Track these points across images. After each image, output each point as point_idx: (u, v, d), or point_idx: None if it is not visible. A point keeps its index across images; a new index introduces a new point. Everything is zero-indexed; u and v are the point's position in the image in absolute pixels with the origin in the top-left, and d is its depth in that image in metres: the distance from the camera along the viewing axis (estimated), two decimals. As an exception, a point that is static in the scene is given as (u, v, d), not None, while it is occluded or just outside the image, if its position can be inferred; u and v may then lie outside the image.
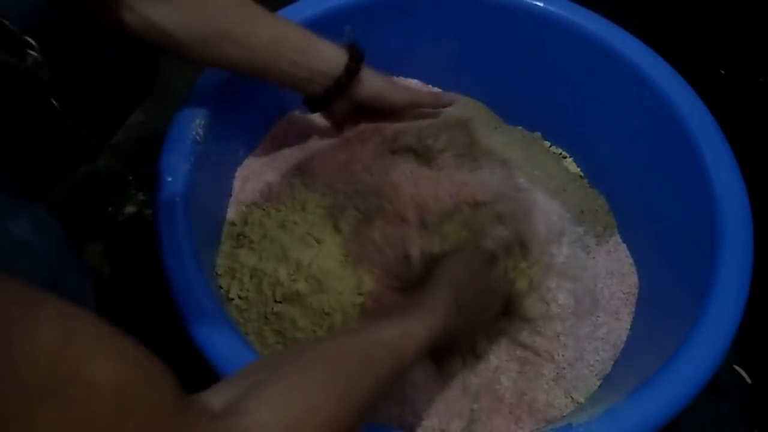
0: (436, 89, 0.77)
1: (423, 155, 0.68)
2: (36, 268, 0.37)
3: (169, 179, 0.55)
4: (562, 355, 0.60)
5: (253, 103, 0.68)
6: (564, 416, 0.56)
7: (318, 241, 0.61)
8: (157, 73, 0.56)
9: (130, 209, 0.77)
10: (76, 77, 0.48)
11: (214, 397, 0.31)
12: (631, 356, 0.61)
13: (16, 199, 0.39)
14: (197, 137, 0.59)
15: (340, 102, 0.59)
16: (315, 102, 0.59)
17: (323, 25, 0.68)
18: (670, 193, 0.66)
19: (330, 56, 0.56)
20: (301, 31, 0.55)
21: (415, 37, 0.74)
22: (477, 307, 0.54)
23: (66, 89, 0.45)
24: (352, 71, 0.57)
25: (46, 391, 0.21)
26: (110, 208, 0.77)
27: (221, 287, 0.60)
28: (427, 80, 0.79)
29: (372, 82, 0.59)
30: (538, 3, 0.70)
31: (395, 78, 0.64)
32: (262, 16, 0.54)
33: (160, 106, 0.81)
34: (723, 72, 0.86)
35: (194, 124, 0.59)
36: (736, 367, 0.68)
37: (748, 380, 0.67)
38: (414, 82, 0.79)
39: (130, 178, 0.79)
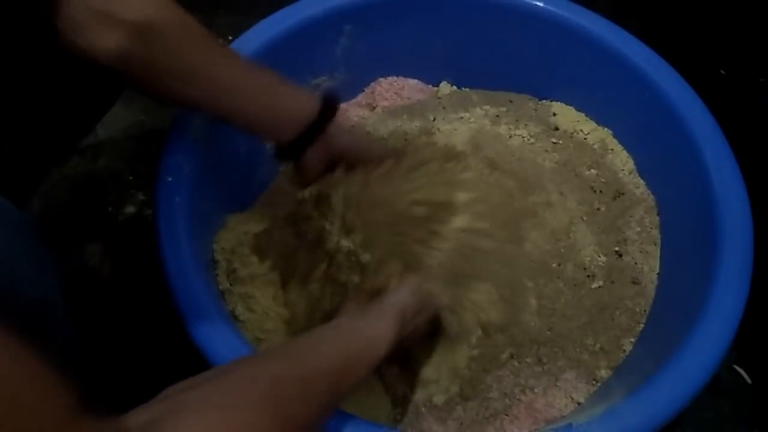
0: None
1: None
2: None
3: (169, 179, 0.55)
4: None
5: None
6: (564, 416, 0.56)
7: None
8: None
9: (130, 209, 0.77)
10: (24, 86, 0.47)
11: (135, 416, 0.30)
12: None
13: None
14: (197, 137, 0.59)
15: (314, 150, 0.55)
16: (287, 150, 0.55)
17: (323, 25, 0.68)
18: (670, 192, 0.66)
19: (301, 101, 0.53)
20: (270, 74, 0.53)
21: (415, 37, 0.74)
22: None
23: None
24: (325, 116, 0.54)
25: None
26: (110, 208, 0.77)
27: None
28: (427, 80, 0.79)
29: (349, 134, 0.57)
30: (538, 3, 0.70)
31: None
32: (226, 56, 0.52)
33: (160, 107, 0.81)
34: (723, 72, 0.86)
35: (194, 124, 0.59)
36: (736, 367, 0.68)
37: (748, 380, 0.67)
38: (413, 83, 0.79)
39: (130, 178, 0.79)
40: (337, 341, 0.44)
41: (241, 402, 0.32)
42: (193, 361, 0.46)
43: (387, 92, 0.77)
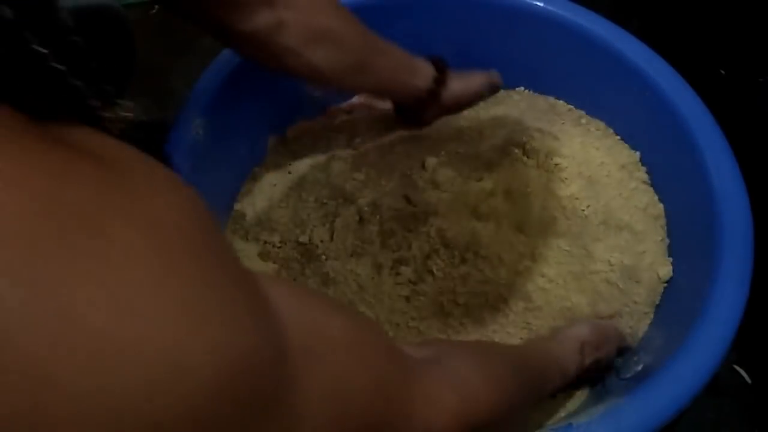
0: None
1: None
2: None
3: (169, 179, 0.55)
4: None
5: (253, 103, 0.68)
6: (564, 416, 0.56)
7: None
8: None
9: (130, 209, 0.77)
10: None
11: (413, 351, 0.34)
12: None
13: None
14: (197, 137, 0.59)
15: (430, 108, 0.67)
16: (409, 112, 0.68)
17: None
18: (669, 192, 0.66)
19: (424, 71, 0.64)
20: (402, 51, 0.62)
21: (415, 37, 0.74)
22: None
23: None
24: (439, 81, 0.64)
25: (306, 354, 0.23)
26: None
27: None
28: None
29: (453, 87, 0.66)
30: (538, 3, 0.70)
31: (464, 74, 0.69)
32: (384, 45, 0.60)
33: (160, 106, 0.81)
34: (723, 72, 0.86)
35: (194, 124, 0.59)
36: (736, 367, 0.68)
37: (748, 380, 0.67)
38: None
39: (130, 178, 0.79)
40: (539, 350, 0.51)
41: (497, 360, 0.40)
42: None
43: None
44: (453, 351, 0.37)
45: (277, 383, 0.20)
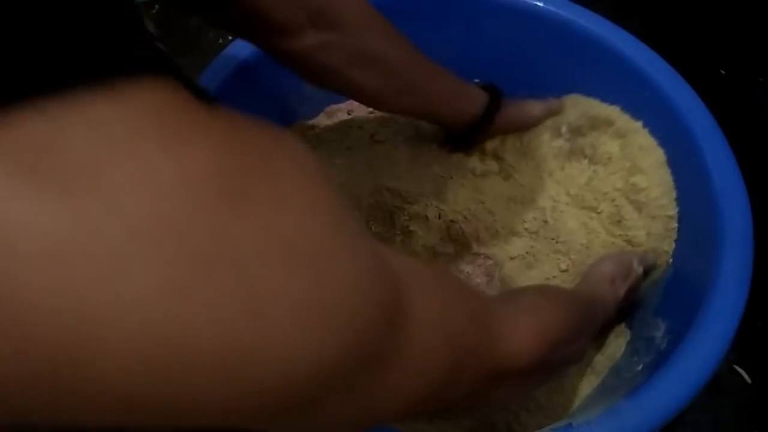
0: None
1: None
2: None
3: (169, 179, 0.55)
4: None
5: (254, 102, 0.68)
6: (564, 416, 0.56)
7: None
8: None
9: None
10: None
11: None
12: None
13: None
14: (197, 137, 0.58)
15: (482, 135, 0.68)
16: (459, 139, 0.68)
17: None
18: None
19: (477, 98, 0.64)
20: (454, 77, 0.62)
21: (416, 37, 0.74)
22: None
23: None
24: (492, 110, 0.64)
25: (411, 288, 0.25)
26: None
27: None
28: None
29: (507, 114, 0.66)
30: (538, 3, 0.70)
31: (520, 101, 0.70)
32: (436, 69, 0.60)
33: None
34: (723, 72, 0.86)
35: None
36: (736, 367, 0.68)
37: (748, 380, 0.67)
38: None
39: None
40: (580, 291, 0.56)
41: (555, 291, 0.47)
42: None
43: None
44: (516, 292, 0.45)
45: (397, 311, 0.23)
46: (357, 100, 0.62)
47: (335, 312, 0.18)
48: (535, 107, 0.69)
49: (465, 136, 0.67)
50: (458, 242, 0.65)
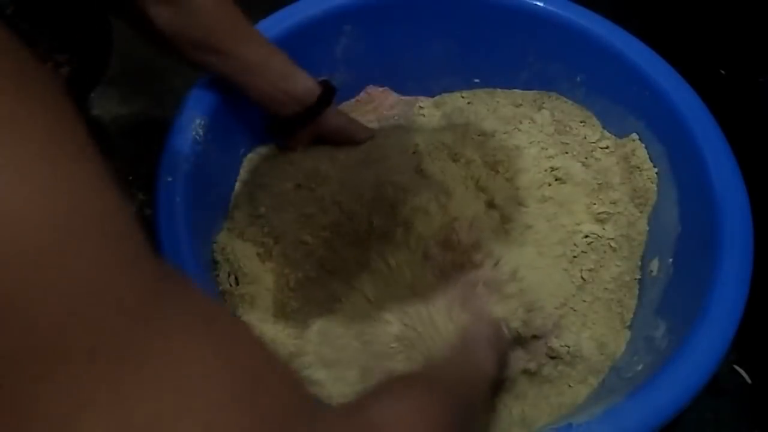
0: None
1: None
2: None
3: (169, 179, 0.55)
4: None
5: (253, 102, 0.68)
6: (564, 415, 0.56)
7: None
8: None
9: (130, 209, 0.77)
10: None
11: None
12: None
13: None
14: (197, 137, 0.59)
15: (306, 129, 0.64)
16: (283, 124, 0.64)
17: (323, 25, 0.68)
18: (669, 192, 0.66)
19: (306, 85, 0.61)
20: (285, 57, 0.60)
21: (416, 37, 0.74)
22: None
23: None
24: (323, 102, 0.62)
25: None
26: (110, 208, 0.77)
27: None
28: (426, 80, 0.79)
29: (338, 117, 0.65)
30: (538, 3, 0.70)
31: (352, 119, 0.69)
32: (251, 38, 0.58)
33: (160, 106, 0.81)
34: (723, 72, 0.86)
35: (194, 124, 0.59)
36: (736, 367, 0.68)
37: (748, 380, 0.67)
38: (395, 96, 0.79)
39: (130, 178, 0.79)
40: (456, 364, 0.49)
41: (428, 398, 0.34)
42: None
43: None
44: (381, 396, 0.33)
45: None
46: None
47: None
48: (362, 132, 0.68)
49: (288, 124, 0.64)
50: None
